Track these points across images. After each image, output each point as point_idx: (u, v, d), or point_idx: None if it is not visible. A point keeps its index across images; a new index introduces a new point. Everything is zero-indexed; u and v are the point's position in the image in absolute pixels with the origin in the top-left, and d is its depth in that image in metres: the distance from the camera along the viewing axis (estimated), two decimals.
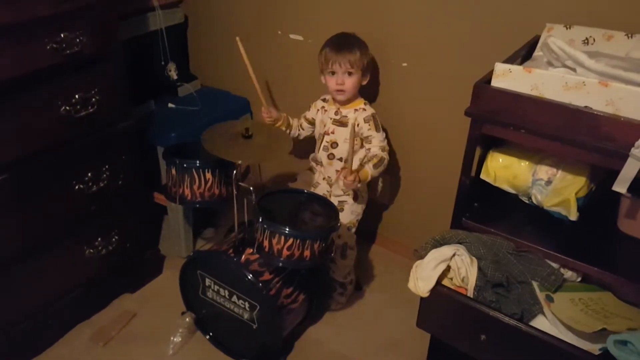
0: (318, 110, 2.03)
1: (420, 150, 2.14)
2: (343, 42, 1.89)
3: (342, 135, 1.95)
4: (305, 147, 2.30)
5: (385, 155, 1.92)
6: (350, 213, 2.01)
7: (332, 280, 2.05)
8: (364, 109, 1.94)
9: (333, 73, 1.89)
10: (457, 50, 1.89)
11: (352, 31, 1.98)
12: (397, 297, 2.14)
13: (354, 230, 2.05)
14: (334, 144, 1.97)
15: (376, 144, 1.92)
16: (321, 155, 2.02)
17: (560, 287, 1.48)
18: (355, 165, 1.95)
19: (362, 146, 1.96)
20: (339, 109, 1.97)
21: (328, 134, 1.98)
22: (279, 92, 2.45)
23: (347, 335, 2.01)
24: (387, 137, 1.98)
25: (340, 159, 1.98)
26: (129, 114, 1.89)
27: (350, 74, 1.88)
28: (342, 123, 1.95)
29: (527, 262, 1.48)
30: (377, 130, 1.92)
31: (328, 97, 2.03)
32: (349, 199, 2.00)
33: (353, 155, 1.80)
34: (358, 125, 1.91)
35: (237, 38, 1.98)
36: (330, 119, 1.98)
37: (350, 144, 1.75)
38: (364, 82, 1.95)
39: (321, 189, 2.05)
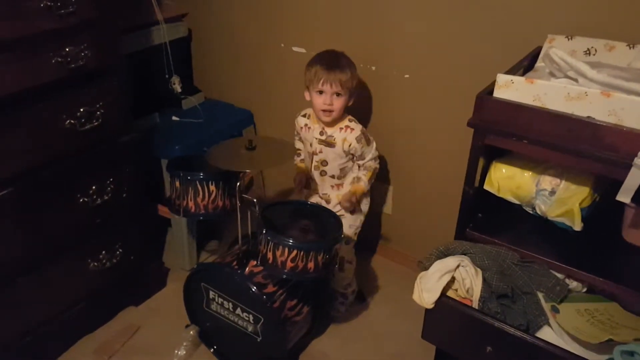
0: (302, 127, 1.97)
1: (424, 161, 2.15)
2: (335, 62, 1.83)
3: (330, 154, 1.91)
4: None
5: (376, 165, 1.95)
6: (348, 227, 1.98)
7: (332, 290, 2.05)
8: (351, 128, 1.88)
9: (321, 92, 1.83)
10: (460, 62, 1.89)
11: (355, 42, 1.99)
12: (402, 308, 2.13)
13: (352, 244, 2.03)
14: (324, 162, 1.93)
15: (368, 157, 1.91)
16: (314, 173, 1.98)
17: (565, 297, 1.47)
18: (346, 185, 1.97)
19: (352, 161, 1.94)
20: (323, 128, 1.91)
21: (316, 154, 1.94)
22: (283, 104, 2.46)
23: (351, 348, 2.00)
24: (382, 144, 1.99)
25: (333, 176, 1.95)
26: (133, 127, 1.90)
27: (339, 95, 1.82)
28: (328, 143, 1.89)
29: (532, 272, 1.48)
30: (368, 144, 1.90)
31: (308, 111, 1.98)
32: (346, 214, 1.98)
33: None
34: (350, 145, 1.86)
35: None
36: (316, 139, 1.92)
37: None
38: (350, 104, 1.88)
39: (315, 200, 2.04)
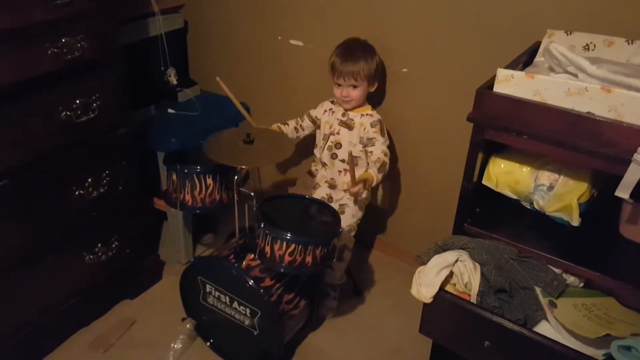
0: (325, 111, 2.05)
1: (422, 155, 2.15)
2: (349, 55, 1.90)
3: (346, 137, 1.98)
4: (304, 154, 2.30)
5: (386, 159, 1.92)
6: (351, 216, 2.02)
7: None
8: (371, 115, 1.97)
9: (339, 85, 1.93)
10: (458, 56, 1.89)
11: (352, 36, 1.98)
12: (398, 303, 2.13)
13: (353, 233, 2.05)
14: (338, 145, 1.99)
15: (378, 147, 1.93)
16: (325, 155, 2.04)
17: (563, 292, 1.48)
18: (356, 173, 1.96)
19: (366, 153, 1.97)
20: (346, 111, 2.00)
21: (333, 134, 2.01)
22: (279, 97, 2.45)
23: (348, 342, 2.00)
24: (390, 143, 2.00)
25: (343, 160, 1.99)
26: (129, 120, 1.89)
27: (355, 86, 1.91)
28: (347, 125, 1.98)
29: (530, 267, 1.48)
30: (382, 134, 1.96)
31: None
32: (349, 202, 2.01)
33: (354, 174, 1.78)
34: (365, 129, 1.94)
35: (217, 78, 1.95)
36: (337, 119, 2.01)
37: (350, 168, 1.75)
38: (371, 90, 1.98)
39: (321, 191, 2.06)
